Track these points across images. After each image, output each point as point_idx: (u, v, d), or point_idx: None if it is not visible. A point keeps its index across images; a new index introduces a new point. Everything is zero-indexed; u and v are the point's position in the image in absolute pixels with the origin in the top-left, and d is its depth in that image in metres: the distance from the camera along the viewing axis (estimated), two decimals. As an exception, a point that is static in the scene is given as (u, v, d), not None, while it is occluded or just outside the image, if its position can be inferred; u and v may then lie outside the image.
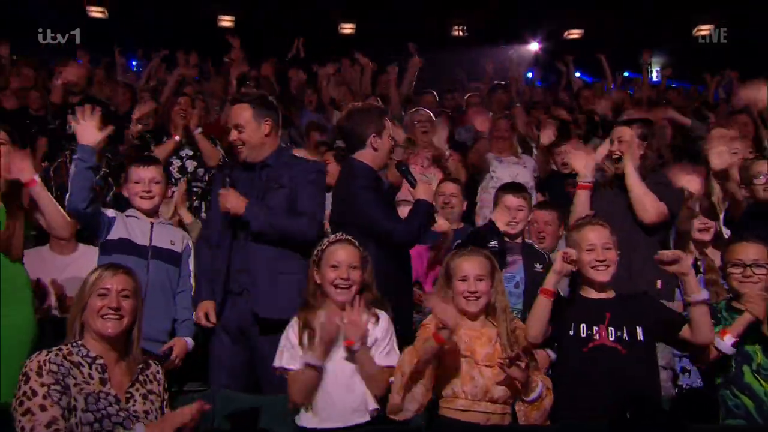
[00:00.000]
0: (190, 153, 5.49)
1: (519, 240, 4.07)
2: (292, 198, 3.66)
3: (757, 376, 3.26)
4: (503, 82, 8.42)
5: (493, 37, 11.92)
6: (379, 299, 3.18)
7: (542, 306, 3.18)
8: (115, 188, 5.22)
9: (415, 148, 5.65)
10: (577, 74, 10.53)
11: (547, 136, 5.65)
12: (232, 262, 3.70)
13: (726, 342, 3.24)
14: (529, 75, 10.84)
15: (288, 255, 3.62)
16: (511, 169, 5.62)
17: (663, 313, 3.31)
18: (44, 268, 4.30)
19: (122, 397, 2.66)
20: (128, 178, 3.85)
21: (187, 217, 4.87)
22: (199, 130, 5.54)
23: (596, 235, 3.28)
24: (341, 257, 3.12)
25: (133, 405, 2.67)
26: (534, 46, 12.31)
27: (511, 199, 4.09)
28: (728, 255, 3.45)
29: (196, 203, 5.34)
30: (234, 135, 3.75)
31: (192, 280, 3.79)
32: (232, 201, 3.61)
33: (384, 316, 3.15)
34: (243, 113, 3.74)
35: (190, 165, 5.45)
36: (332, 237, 3.23)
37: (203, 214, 5.32)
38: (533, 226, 4.65)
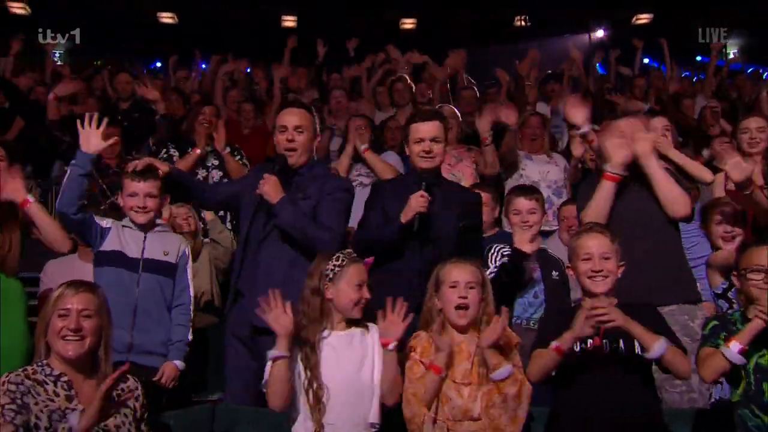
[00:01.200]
0: (216, 162, 5.52)
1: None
2: (316, 210, 3.63)
3: (781, 395, 2.93)
4: (559, 72, 8.16)
5: (555, 27, 11.58)
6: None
7: (552, 361, 2.94)
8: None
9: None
10: (646, 60, 10.13)
11: (577, 148, 5.40)
12: (246, 257, 3.68)
13: (732, 350, 2.88)
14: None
15: (304, 265, 3.49)
16: (541, 167, 5.45)
17: (658, 331, 3.00)
18: (73, 276, 4.43)
19: None
20: (123, 190, 3.78)
21: (210, 215, 4.93)
22: (228, 150, 5.54)
23: (595, 244, 3.08)
24: (364, 276, 3.09)
25: (104, 419, 2.65)
26: (599, 34, 11.90)
27: (523, 202, 3.98)
28: (747, 260, 3.12)
29: (221, 213, 5.33)
30: (292, 135, 3.70)
31: (191, 291, 3.79)
32: (272, 187, 3.57)
33: (375, 328, 3.09)
34: (307, 118, 3.77)
35: (216, 175, 5.46)
36: (352, 255, 3.16)
37: (228, 224, 5.37)
38: (563, 222, 4.67)
